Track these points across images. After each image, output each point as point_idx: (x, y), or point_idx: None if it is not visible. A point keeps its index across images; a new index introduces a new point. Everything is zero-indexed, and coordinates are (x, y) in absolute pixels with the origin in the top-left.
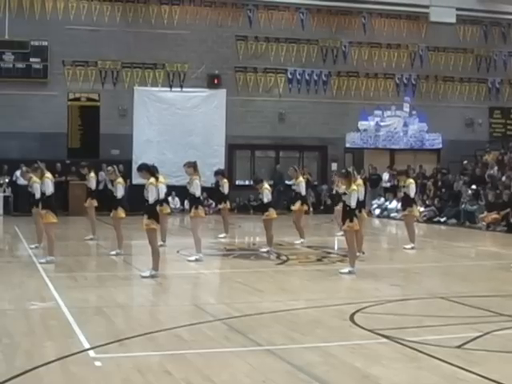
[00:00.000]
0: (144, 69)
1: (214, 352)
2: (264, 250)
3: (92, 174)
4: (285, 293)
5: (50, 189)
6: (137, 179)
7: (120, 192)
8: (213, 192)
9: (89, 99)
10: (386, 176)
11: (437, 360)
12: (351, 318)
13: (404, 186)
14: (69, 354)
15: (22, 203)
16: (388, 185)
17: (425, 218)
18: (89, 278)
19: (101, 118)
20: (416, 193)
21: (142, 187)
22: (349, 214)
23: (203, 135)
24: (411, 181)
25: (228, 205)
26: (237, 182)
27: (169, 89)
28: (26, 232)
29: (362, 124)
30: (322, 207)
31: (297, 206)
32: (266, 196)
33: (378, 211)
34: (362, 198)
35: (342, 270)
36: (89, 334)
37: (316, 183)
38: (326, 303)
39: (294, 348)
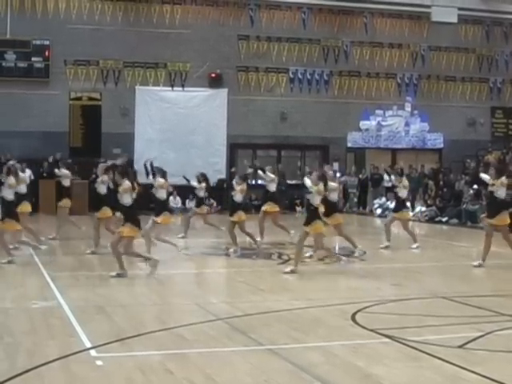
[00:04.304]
0: (146, 68)
1: (215, 351)
2: (231, 250)
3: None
4: (286, 292)
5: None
6: (138, 178)
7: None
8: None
9: (90, 98)
10: (387, 176)
11: (438, 360)
12: (353, 317)
13: (397, 186)
14: (70, 353)
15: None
16: (389, 184)
17: (426, 218)
18: (90, 277)
19: (102, 117)
20: (409, 192)
21: (144, 186)
22: (313, 213)
23: (205, 134)
24: (403, 179)
25: (204, 209)
26: None
27: (170, 88)
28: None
29: (363, 124)
30: None
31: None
32: (239, 197)
33: (379, 211)
34: (335, 199)
35: (286, 270)
36: (90, 333)
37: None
38: (328, 303)
39: (296, 347)
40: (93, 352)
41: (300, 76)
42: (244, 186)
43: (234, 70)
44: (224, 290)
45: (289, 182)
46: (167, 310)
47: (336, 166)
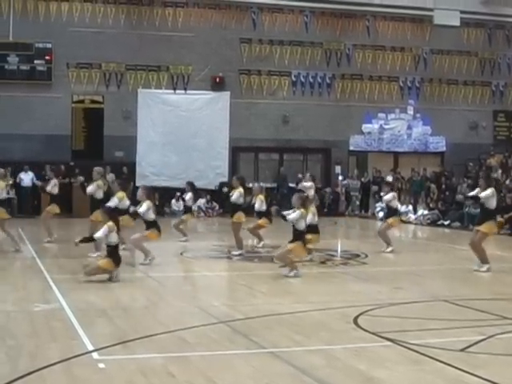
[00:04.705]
0: (148, 71)
1: (217, 354)
2: (236, 253)
3: (55, 181)
4: (288, 295)
5: None
6: (140, 181)
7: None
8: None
9: (93, 101)
10: (389, 179)
11: (440, 363)
12: (355, 320)
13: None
14: (72, 356)
15: (25, 205)
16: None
17: (428, 221)
18: (92, 280)
19: (105, 120)
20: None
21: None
22: (297, 236)
23: (207, 137)
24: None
25: (189, 217)
26: None
27: (173, 91)
28: (30, 234)
29: (365, 127)
30: (325, 210)
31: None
32: (238, 199)
33: (381, 214)
34: (312, 222)
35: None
36: (92, 335)
37: (319, 186)
38: (330, 306)
39: (298, 351)
40: (95, 355)
41: (302, 79)
42: (241, 188)
43: (236, 73)
44: (226, 293)
45: (291, 185)
46: (169, 312)
47: (338, 169)
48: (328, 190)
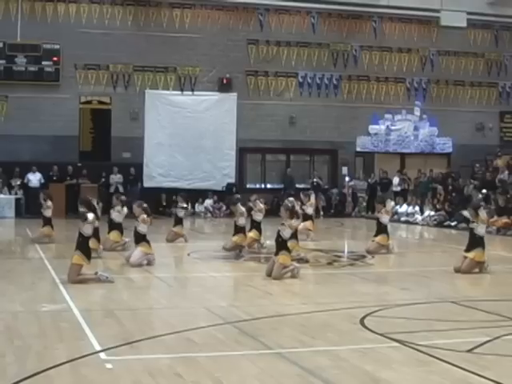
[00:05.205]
0: (155, 72)
1: (224, 355)
2: (241, 254)
3: (49, 203)
4: (295, 296)
5: None
6: (147, 182)
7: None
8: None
9: (100, 102)
10: (396, 180)
11: (447, 364)
12: (361, 321)
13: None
14: (80, 356)
15: (33, 206)
16: (398, 189)
17: (435, 222)
18: (99, 281)
19: (112, 121)
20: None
21: (154, 189)
22: (281, 245)
23: (214, 139)
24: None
25: (182, 230)
26: (247, 186)
27: (180, 92)
28: (38, 234)
29: (372, 128)
30: (332, 211)
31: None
32: (242, 220)
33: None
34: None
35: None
36: (100, 336)
37: (326, 187)
38: (336, 307)
39: (304, 351)
40: (102, 355)
41: (309, 80)
42: (243, 210)
43: (243, 74)
44: (232, 294)
45: (298, 185)
46: (176, 313)
47: (345, 170)
48: (335, 191)
